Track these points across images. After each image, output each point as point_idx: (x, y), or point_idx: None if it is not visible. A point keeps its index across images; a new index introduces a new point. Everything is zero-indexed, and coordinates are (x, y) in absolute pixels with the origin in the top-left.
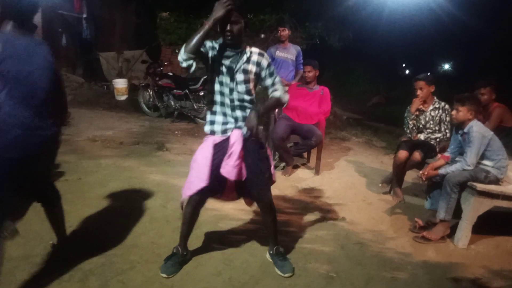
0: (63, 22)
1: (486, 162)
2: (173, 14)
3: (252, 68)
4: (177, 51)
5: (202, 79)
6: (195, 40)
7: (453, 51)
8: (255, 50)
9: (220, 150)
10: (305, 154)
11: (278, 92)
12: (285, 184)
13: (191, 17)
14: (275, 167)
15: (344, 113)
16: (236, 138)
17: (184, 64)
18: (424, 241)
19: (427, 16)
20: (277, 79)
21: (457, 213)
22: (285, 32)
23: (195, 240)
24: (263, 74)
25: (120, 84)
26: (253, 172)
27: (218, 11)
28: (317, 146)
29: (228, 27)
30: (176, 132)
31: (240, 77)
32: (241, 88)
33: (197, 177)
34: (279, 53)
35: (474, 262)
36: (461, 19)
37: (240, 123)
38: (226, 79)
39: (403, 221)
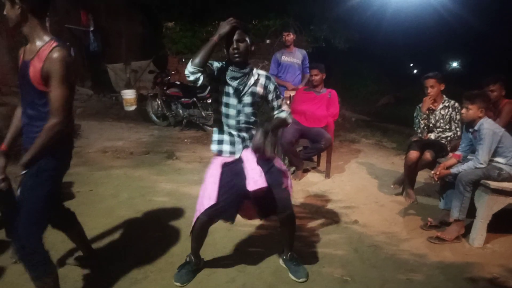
0: (70, 36)
1: (498, 159)
2: (179, 23)
3: (260, 90)
4: (183, 60)
5: (209, 87)
6: (201, 54)
7: (461, 48)
8: (262, 72)
9: (230, 169)
10: (315, 158)
11: (285, 113)
12: (296, 188)
13: (196, 26)
14: None
15: (352, 115)
16: (247, 156)
17: (192, 78)
18: (439, 241)
19: (432, 14)
20: (284, 101)
21: (471, 212)
22: (290, 37)
23: (208, 248)
24: (270, 96)
25: (129, 95)
26: (272, 185)
27: (223, 27)
28: (327, 149)
29: (234, 45)
30: (185, 140)
31: (247, 99)
32: (248, 110)
33: (205, 196)
34: (285, 58)
35: (491, 261)
36: (467, 16)
37: (248, 143)
38: (233, 100)
39: (417, 222)
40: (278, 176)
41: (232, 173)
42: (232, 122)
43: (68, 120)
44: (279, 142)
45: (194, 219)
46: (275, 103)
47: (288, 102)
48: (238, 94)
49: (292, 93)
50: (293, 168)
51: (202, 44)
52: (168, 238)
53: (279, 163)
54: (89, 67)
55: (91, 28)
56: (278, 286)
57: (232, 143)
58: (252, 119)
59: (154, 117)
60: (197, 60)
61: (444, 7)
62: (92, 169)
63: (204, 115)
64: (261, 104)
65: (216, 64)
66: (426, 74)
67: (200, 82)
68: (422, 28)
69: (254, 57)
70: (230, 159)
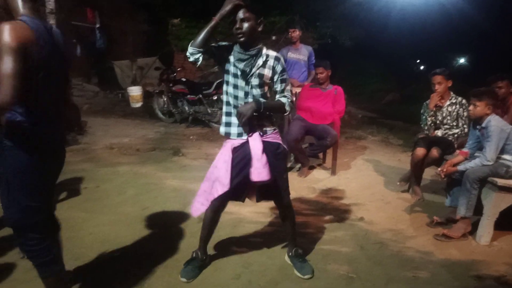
0: (76, 33)
1: (506, 156)
2: (184, 20)
3: (268, 72)
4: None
5: (215, 84)
6: (202, 35)
7: (467, 45)
8: (272, 54)
9: (240, 154)
10: (321, 155)
11: (285, 99)
12: (302, 185)
13: (202, 22)
14: (291, 168)
15: (358, 112)
16: (255, 141)
17: (191, 59)
18: (445, 239)
19: (438, 11)
20: (288, 87)
21: (478, 209)
22: (296, 33)
23: (213, 244)
24: (275, 78)
25: (135, 91)
26: (274, 174)
27: (225, 6)
28: (333, 146)
29: (238, 25)
30: (191, 137)
31: (255, 81)
32: (256, 92)
33: (219, 182)
34: (291, 55)
35: (497, 259)
36: (473, 13)
37: (255, 123)
38: (241, 82)
39: (423, 219)
40: (282, 164)
41: (242, 158)
42: (241, 103)
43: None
44: (284, 138)
45: (206, 205)
46: (278, 86)
47: (294, 99)
48: (245, 76)
49: (298, 90)
50: (298, 165)
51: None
52: (174, 235)
53: (286, 147)
54: (95, 64)
55: (97, 25)
56: (284, 283)
57: (240, 125)
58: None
59: (160, 114)
60: (197, 41)
61: (450, 4)
62: (98, 165)
63: (210, 112)
64: (271, 85)
65: (225, 45)
66: (434, 70)
67: (199, 62)
68: (428, 25)
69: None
70: (238, 141)
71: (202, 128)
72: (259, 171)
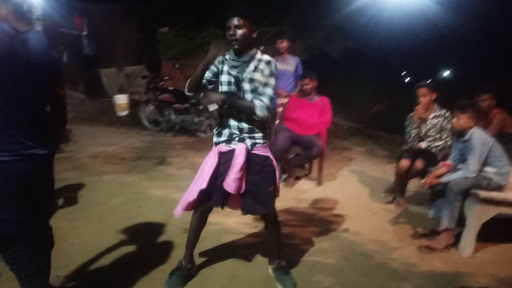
0: (64, 40)
1: (488, 169)
2: (173, 28)
3: (258, 77)
4: (177, 66)
5: (202, 93)
6: (192, 82)
7: (452, 58)
8: (265, 58)
9: (226, 160)
10: (307, 165)
11: (258, 102)
12: (288, 195)
13: (191, 31)
14: None
15: (345, 123)
16: (240, 152)
17: (193, 100)
18: (429, 250)
19: (425, 24)
20: (269, 91)
21: (461, 221)
22: (283, 44)
23: (198, 255)
24: (264, 81)
25: (121, 99)
26: (255, 185)
27: (209, 55)
28: (319, 156)
29: (231, 31)
30: (177, 146)
31: (247, 86)
32: (248, 97)
33: (199, 181)
34: (278, 65)
35: (480, 270)
36: (459, 27)
37: (245, 135)
38: (234, 89)
39: (407, 230)
40: (268, 177)
41: (227, 164)
42: (233, 110)
43: None
44: (271, 149)
45: (183, 205)
46: (260, 88)
47: (281, 109)
48: (238, 82)
49: (285, 100)
50: (285, 176)
51: (196, 50)
52: (158, 245)
53: (274, 161)
54: (82, 71)
55: (85, 33)
56: None
57: (230, 134)
58: None
59: (146, 123)
60: (190, 87)
61: (437, 17)
62: (83, 174)
63: (196, 121)
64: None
65: (219, 59)
66: (419, 83)
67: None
68: (415, 37)
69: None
70: (226, 148)
71: (189, 137)
72: (230, 183)
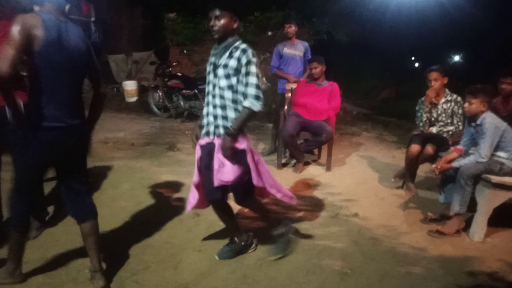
0: None
1: (500, 153)
2: (180, 14)
3: (233, 63)
4: (185, 52)
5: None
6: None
7: (463, 42)
8: (241, 46)
9: (207, 152)
10: (316, 151)
11: (247, 100)
12: (297, 181)
13: (198, 17)
14: (286, 164)
15: (354, 108)
16: (219, 146)
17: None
18: (439, 235)
19: (434, 8)
20: (252, 80)
21: (472, 206)
22: (292, 29)
23: (209, 241)
24: (242, 70)
25: (130, 86)
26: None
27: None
28: (328, 142)
29: (211, 22)
30: (186, 132)
31: (221, 72)
32: (222, 83)
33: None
34: (286, 50)
35: (491, 255)
36: (470, 10)
37: (219, 122)
38: (211, 76)
39: (417, 215)
40: (240, 166)
41: (208, 156)
42: (210, 98)
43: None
44: (280, 134)
45: (193, 202)
46: (244, 79)
47: (289, 94)
48: (215, 68)
49: (294, 86)
50: (294, 161)
51: (203, 36)
52: (168, 229)
53: (250, 154)
54: None
55: (93, 19)
56: (279, 278)
57: (207, 125)
58: (229, 95)
59: (155, 109)
60: None
61: (447, 1)
62: (93, 159)
63: None
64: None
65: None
66: (430, 67)
67: None
68: (424, 22)
69: (256, 49)
70: (205, 141)
71: None
72: (226, 173)
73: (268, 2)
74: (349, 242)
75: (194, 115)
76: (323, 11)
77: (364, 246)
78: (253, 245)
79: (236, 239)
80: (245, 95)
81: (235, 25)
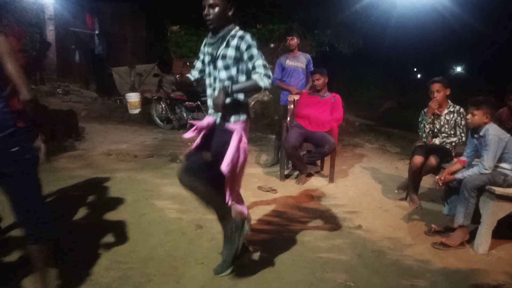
0: (76, 39)
1: (504, 165)
2: (183, 27)
3: (231, 53)
4: (188, 64)
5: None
6: (182, 86)
7: (465, 53)
8: (238, 33)
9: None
10: (319, 162)
11: (255, 75)
12: (299, 192)
13: (201, 29)
14: (288, 175)
15: (356, 120)
16: (208, 121)
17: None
18: (443, 247)
19: (436, 19)
20: (258, 62)
21: (476, 218)
22: (294, 41)
23: (211, 253)
24: (244, 57)
25: (133, 98)
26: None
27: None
28: (331, 153)
29: (205, 11)
30: (189, 144)
31: (220, 63)
32: (223, 75)
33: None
34: (289, 62)
35: (496, 268)
36: (472, 21)
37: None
38: (211, 68)
39: (421, 227)
40: (220, 151)
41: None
42: (210, 91)
43: None
44: (282, 146)
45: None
46: (249, 64)
47: (292, 106)
48: (213, 60)
49: (296, 97)
50: (296, 172)
51: None
52: (171, 242)
53: (239, 136)
54: (94, 70)
55: (96, 32)
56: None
57: (209, 115)
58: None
59: (158, 120)
60: (177, 88)
61: (449, 12)
62: (96, 171)
63: None
64: (242, 67)
65: (202, 49)
66: (432, 78)
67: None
68: (426, 33)
69: None
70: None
71: None
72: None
73: (270, 15)
74: (353, 254)
75: None
76: (325, 23)
77: (368, 258)
78: (246, 226)
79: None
80: (254, 73)
81: (230, 13)
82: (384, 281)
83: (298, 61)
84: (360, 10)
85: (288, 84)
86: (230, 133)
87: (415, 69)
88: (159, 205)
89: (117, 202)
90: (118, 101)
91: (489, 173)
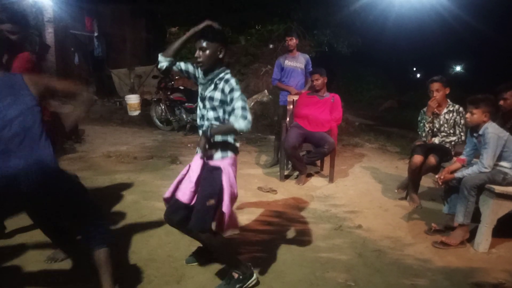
0: (75, 41)
1: (503, 163)
2: (182, 28)
3: (218, 95)
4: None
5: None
6: (172, 46)
7: (464, 53)
8: (226, 76)
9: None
10: (318, 162)
11: (232, 117)
12: (299, 193)
13: None
14: (288, 176)
15: (356, 119)
16: (194, 163)
17: (158, 66)
18: (443, 246)
19: (435, 18)
20: (237, 104)
21: (476, 216)
22: (293, 41)
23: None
24: (227, 99)
25: (133, 99)
26: (197, 198)
27: (199, 25)
28: (330, 153)
29: (196, 54)
30: (189, 145)
31: (208, 104)
32: (210, 115)
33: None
34: (288, 63)
35: (496, 266)
36: (471, 20)
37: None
38: (201, 105)
39: (421, 226)
40: (207, 187)
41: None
42: (200, 124)
43: None
44: (282, 146)
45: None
46: (230, 107)
47: (291, 106)
48: (203, 99)
49: (296, 98)
50: (296, 173)
51: None
52: (171, 243)
53: (227, 172)
54: (93, 72)
55: (96, 34)
56: None
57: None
58: (216, 124)
59: (158, 122)
60: (166, 50)
61: (447, 11)
62: (96, 173)
63: None
64: (228, 109)
65: (193, 66)
66: (432, 77)
67: (163, 69)
68: (425, 32)
69: (257, 61)
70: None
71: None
72: (184, 192)
73: (270, 15)
74: (353, 254)
75: (197, 128)
76: (324, 23)
77: (368, 258)
78: (254, 277)
79: (234, 273)
80: (232, 115)
81: (221, 55)
82: (385, 280)
83: (297, 62)
84: (359, 10)
85: (287, 85)
86: (217, 169)
87: (414, 69)
88: (159, 206)
89: (117, 203)
90: (118, 103)
91: (488, 172)
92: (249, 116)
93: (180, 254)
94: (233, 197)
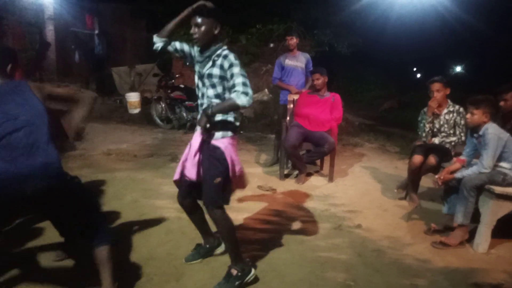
0: (75, 39)
1: (503, 164)
2: (183, 27)
3: (216, 71)
4: (187, 64)
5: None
6: (167, 26)
7: (465, 53)
8: (224, 52)
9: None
10: (318, 162)
11: (233, 94)
12: (299, 192)
13: None
14: (288, 175)
15: (356, 119)
16: (194, 140)
17: (154, 47)
18: (443, 246)
19: (436, 19)
20: (238, 80)
21: (476, 217)
22: (293, 41)
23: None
24: (227, 75)
25: (133, 97)
26: (204, 176)
27: (193, 5)
28: (330, 153)
29: (192, 30)
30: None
31: (207, 82)
32: (210, 92)
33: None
34: (288, 62)
35: (495, 266)
36: (471, 21)
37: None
38: (199, 84)
39: (420, 226)
40: (212, 167)
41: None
42: (200, 102)
43: None
44: (282, 145)
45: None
46: (230, 82)
47: (291, 106)
48: (201, 77)
49: (296, 97)
50: (296, 172)
51: None
52: (171, 241)
53: (229, 151)
54: (94, 70)
55: (96, 32)
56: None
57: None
58: (216, 102)
59: (158, 120)
60: (161, 31)
61: (448, 12)
62: (96, 171)
63: None
64: (228, 85)
65: (193, 50)
66: (432, 78)
67: (158, 50)
68: (426, 33)
69: (258, 60)
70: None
71: None
72: (189, 169)
73: (270, 15)
74: (353, 253)
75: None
76: (324, 23)
77: (368, 257)
78: (252, 272)
79: (232, 270)
80: (233, 91)
81: (216, 31)
82: (384, 280)
83: (298, 61)
84: (359, 10)
85: (287, 84)
86: (218, 149)
87: (415, 69)
88: (159, 205)
89: (117, 201)
90: (118, 101)
91: (488, 172)
92: (251, 92)
93: (180, 252)
94: (240, 173)
